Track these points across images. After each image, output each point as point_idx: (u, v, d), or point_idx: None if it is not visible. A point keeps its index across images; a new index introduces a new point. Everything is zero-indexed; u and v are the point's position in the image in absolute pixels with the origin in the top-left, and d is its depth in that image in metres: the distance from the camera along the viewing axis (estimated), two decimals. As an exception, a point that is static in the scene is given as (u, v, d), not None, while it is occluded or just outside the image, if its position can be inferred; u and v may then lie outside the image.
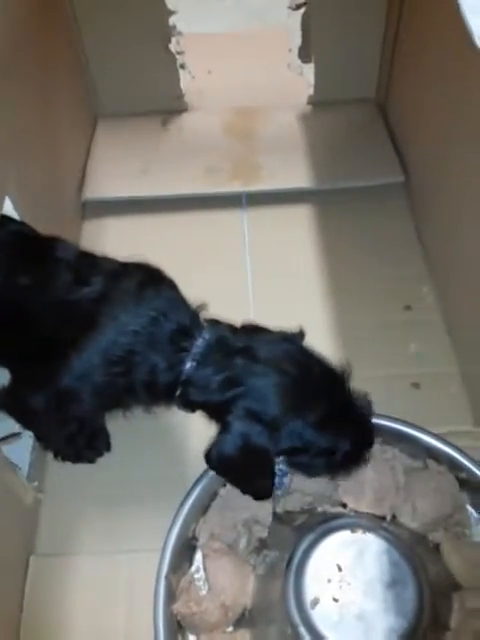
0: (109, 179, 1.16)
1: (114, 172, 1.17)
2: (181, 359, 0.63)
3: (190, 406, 0.66)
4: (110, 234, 1.11)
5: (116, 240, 1.07)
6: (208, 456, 0.63)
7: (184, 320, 0.66)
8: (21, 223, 0.77)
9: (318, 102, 1.30)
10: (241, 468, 0.63)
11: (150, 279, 0.68)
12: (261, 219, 1.14)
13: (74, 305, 0.65)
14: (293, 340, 0.67)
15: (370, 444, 0.68)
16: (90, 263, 0.69)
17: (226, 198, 1.15)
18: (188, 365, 0.63)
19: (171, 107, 1.28)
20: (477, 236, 0.84)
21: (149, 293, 0.66)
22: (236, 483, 0.68)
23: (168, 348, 0.64)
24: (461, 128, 0.88)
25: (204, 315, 0.68)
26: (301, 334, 0.69)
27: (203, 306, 0.69)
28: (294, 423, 0.62)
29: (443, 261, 1.01)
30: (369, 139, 1.23)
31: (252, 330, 0.68)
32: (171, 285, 0.70)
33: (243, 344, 0.64)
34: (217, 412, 0.64)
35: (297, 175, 1.17)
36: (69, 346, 0.63)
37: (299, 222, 1.14)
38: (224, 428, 0.62)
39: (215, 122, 1.27)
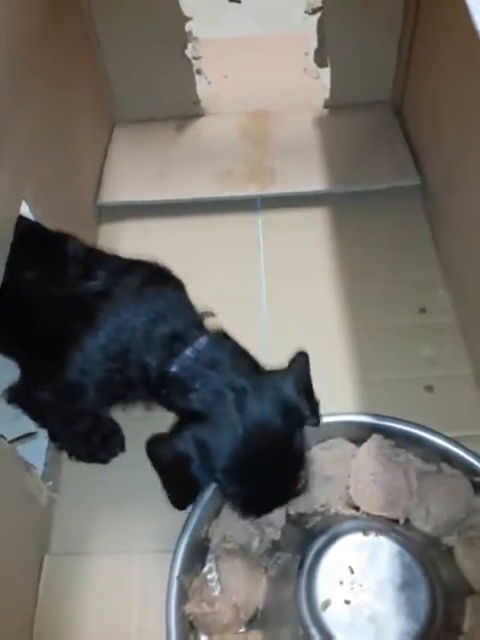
0: (125, 183, 1.17)
1: (130, 176, 1.19)
2: (170, 362, 0.63)
3: (171, 408, 0.66)
4: (126, 238, 1.12)
5: (132, 244, 1.08)
6: (149, 445, 0.63)
7: (179, 326, 0.65)
8: (32, 220, 0.78)
9: (334, 106, 1.30)
10: (168, 476, 0.62)
11: (154, 278, 0.68)
12: (276, 222, 1.14)
13: (78, 299, 0.66)
14: (284, 387, 0.64)
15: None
16: (97, 259, 0.70)
17: (241, 202, 1.16)
18: (173, 369, 0.63)
19: (187, 112, 1.29)
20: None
21: (151, 292, 0.66)
22: (160, 480, 0.65)
23: (160, 350, 0.64)
24: (477, 131, 0.87)
25: (210, 322, 0.68)
26: (304, 358, 0.67)
27: (208, 313, 0.69)
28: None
29: (459, 264, 1.00)
30: (385, 142, 1.23)
31: (252, 365, 0.66)
32: (177, 286, 0.70)
33: (238, 379, 0.62)
34: (181, 417, 0.64)
35: (312, 178, 1.17)
36: (73, 340, 0.63)
37: (314, 225, 1.14)
38: (175, 433, 0.61)
39: (231, 126, 1.28)
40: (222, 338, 0.66)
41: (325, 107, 1.31)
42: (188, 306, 0.69)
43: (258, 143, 1.24)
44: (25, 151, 0.80)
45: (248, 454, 0.61)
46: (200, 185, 1.17)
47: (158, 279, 0.69)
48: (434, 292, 1.02)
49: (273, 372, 0.66)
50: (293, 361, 0.67)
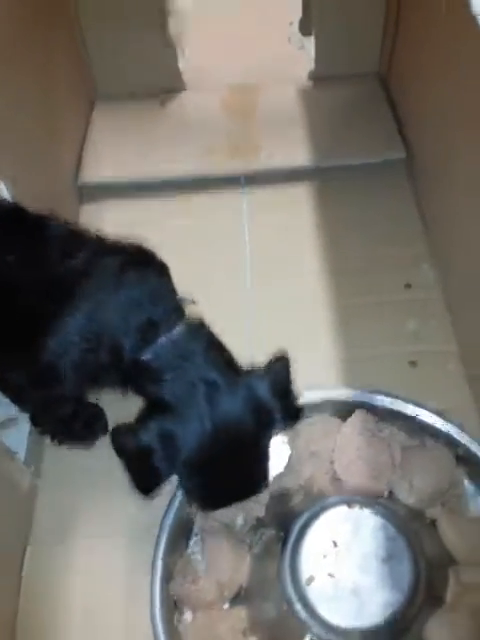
0: (107, 162, 1.16)
1: (112, 155, 1.17)
2: (144, 349, 0.62)
3: (141, 395, 0.65)
4: (108, 217, 1.11)
5: (114, 223, 1.07)
6: (114, 434, 0.62)
7: (156, 312, 0.64)
8: (11, 203, 0.76)
9: (319, 77, 1.28)
10: (131, 465, 0.62)
11: (135, 260, 0.67)
12: (261, 198, 1.13)
13: (57, 280, 0.65)
14: (259, 387, 0.63)
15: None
16: (78, 239, 0.69)
17: (225, 178, 1.15)
18: (147, 356, 0.62)
19: (169, 86, 1.27)
20: (478, 214, 0.83)
21: (130, 276, 0.65)
22: (125, 467, 0.64)
23: (135, 336, 0.63)
24: (464, 104, 0.86)
25: (191, 309, 0.67)
26: (284, 361, 0.65)
27: (189, 300, 0.67)
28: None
29: (444, 239, 1.00)
30: (371, 115, 1.21)
31: (227, 360, 0.65)
32: (159, 270, 0.68)
33: (210, 373, 0.61)
34: (150, 404, 0.64)
35: (297, 153, 1.15)
36: (49, 321, 0.62)
37: (299, 201, 1.13)
38: (141, 424, 0.61)
39: (214, 101, 1.26)
40: (199, 328, 0.65)
41: (310, 79, 1.29)
42: (168, 292, 0.67)
43: (241, 118, 1.23)
44: (2, 130, 0.79)
45: (212, 449, 0.60)
46: (183, 163, 1.15)
47: (139, 262, 0.68)
48: (419, 267, 1.02)
49: (249, 371, 0.64)
50: (272, 363, 0.65)
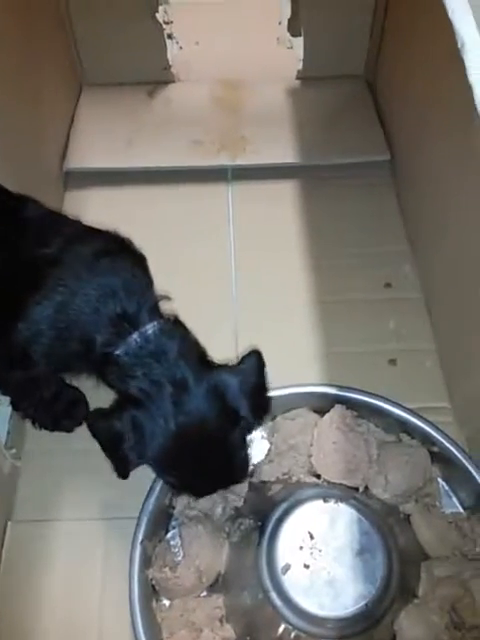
0: (93, 150, 1.15)
1: (98, 143, 1.16)
2: (115, 344, 0.61)
3: (110, 387, 0.65)
4: (92, 205, 1.10)
5: (98, 211, 1.04)
6: (90, 418, 0.63)
7: (130, 306, 0.62)
8: None
9: (307, 77, 1.29)
10: (107, 449, 0.62)
11: (109, 249, 0.66)
12: (246, 193, 1.14)
13: (30, 265, 0.63)
14: (228, 385, 0.62)
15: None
16: (55, 224, 0.68)
17: (211, 171, 1.15)
18: (118, 352, 0.61)
19: (158, 78, 1.27)
20: (458, 216, 0.84)
21: (104, 264, 0.64)
22: (103, 450, 0.64)
23: (107, 329, 0.62)
24: (446, 109, 0.88)
25: (165, 307, 0.66)
26: (257, 356, 0.65)
27: (164, 296, 0.67)
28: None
29: (425, 239, 1.01)
30: (356, 116, 1.23)
31: (199, 358, 0.64)
32: (135, 260, 0.67)
33: (180, 372, 0.61)
34: (120, 397, 0.64)
35: (283, 150, 1.16)
36: (19, 307, 0.61)
37: (283, 197, 1.14)
38: (116, 411, 0.61)
39: (202, 94, 1.26)
40: (173, 326, 0.64)
41: (298, 78, 1.30)
42: (144, 285, 0.66)
43: (229, 113, 1.23)
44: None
45: (177, 449, 0.60)
46: (169, 153, 1.15)
47: (115, 251, 0.66)
48: (400, 267, 1.03)
49: (222, 367, 0.64)
50: (245, 358, 0.65)
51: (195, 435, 0.60)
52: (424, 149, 1.00)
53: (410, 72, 1.05)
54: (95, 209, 1.08)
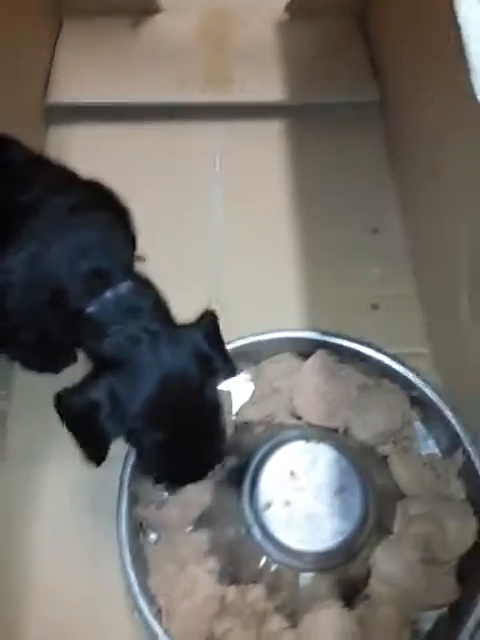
0: (75, 83, 1.11)
1: (80, 77, 1.12)
2: (88, 301, 0.60)
3: (85, 350, 0.64)
4: (76, 142, 1.07)
5: (82, 148, 1.05)
6: (58, 398, 0.60)
7: (105, 263, 0.61)
8: None
9: (296, 10, 1.24)
10: (77, 431, 0.60)
11: (88, 202, 0.64)
12: (232, 132, 1.12)
13: (5, 212, 0.62)
14: (197, 338, 0.62)
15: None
16: (37, 170, 0.66)
17: (197, 108, 1.12)
18: (90, 309, 0.60)
19: (142, 6, 1.21)
20: (446, 160, 0.84)
21: (81, 218, 0.62)
22: (73, 437, 0.61)
23: (80, 285, 0.60)
24: (438, 48, 0.86)
25: (141, 266, 0.65)
26: (212, 316, 0.65)
27: (140, 257, 0.66)
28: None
29: (411, 184, 1.01)
30: (346, 53, 1.19)
31: (167, 317, 0.63)
32: (116, 216, 0.65)
33: (155, 326, 0.60)
34: (93, 361, 0.62)
35: (270, 88, 1.13)
36: None
37: (270, 137, 1.12)
38: (88, 383, 0.59)
39: (189, 26, 1.21)
40: (146, 286, 0.63)
41: (286, 10, 1.25)
42: (120, 242, 0.64)
43: (216, 47, 1.19)
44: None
45: (164, 399, 0.59)
46: (154, 89, 1.12)
47: (94, 205, 0.64)
48: (387, 212, 1.03)
49: (184, 326, 0.63)
50: (201, 318, 0.65)
51: (178, 385, 0.60)
52: (414, 88, 0.98)
53: (403, 9, 1.02)
54: (79, 145, 1.06)
